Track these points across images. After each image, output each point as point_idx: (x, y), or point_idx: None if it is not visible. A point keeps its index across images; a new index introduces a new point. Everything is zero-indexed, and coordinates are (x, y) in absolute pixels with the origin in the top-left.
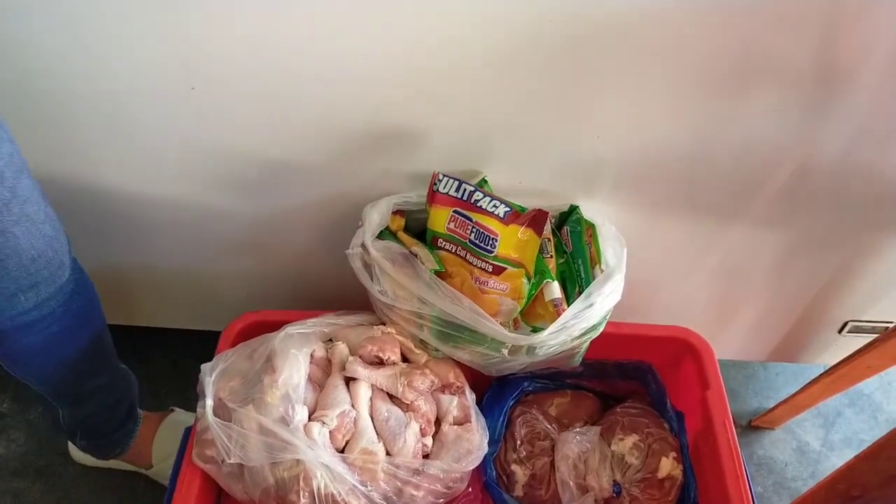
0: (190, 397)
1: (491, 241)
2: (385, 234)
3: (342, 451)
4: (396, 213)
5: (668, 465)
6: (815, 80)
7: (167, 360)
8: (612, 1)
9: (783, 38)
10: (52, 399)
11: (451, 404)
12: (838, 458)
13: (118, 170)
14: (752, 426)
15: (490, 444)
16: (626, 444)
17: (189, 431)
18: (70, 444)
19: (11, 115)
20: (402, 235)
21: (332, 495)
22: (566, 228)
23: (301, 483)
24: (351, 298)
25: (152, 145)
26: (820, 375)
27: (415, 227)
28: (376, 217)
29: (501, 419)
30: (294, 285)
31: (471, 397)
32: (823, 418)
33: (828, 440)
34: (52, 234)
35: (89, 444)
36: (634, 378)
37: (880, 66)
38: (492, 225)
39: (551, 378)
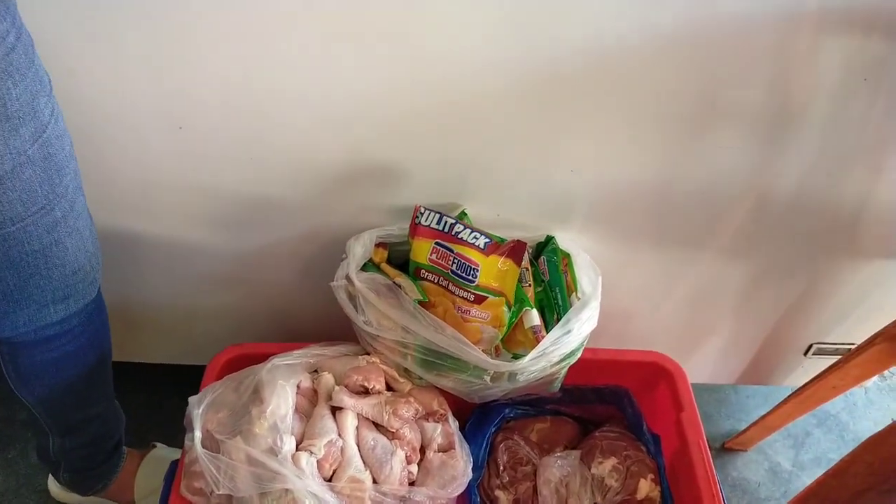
0: (170, 433)
1: (472, 272)
2: (369, 266)
3: (330, 480)
4: (379, 245)
5: (646, 487)
6: (769, 118)
7: (147, 396)
8: (578, 49)
9: (737, 79)
10: (47, 424)
11: (436, 432)
12: (809, 477)
13: (100, 205)
14: (726, 448)
15: (474, 470)
16: (605, 467)
17: (175, 465)
18: (50, 479)
19: None
20: (386, 267)
21: None
22: (543, 258)
23: None
24: (335, 330)
25: (137, 182)
26: (788, 397)
27: (397, 258)
28: (360, 250)
29: (484, 446)
30: (278, 318)
31: (454, 425)
32: (793, 439)
33: (798, 460)
34: (92, 251)
35: (73, 477)
36: (612, 402)
37: (827, 104)
38: (473, 256)
39: (531, 404)
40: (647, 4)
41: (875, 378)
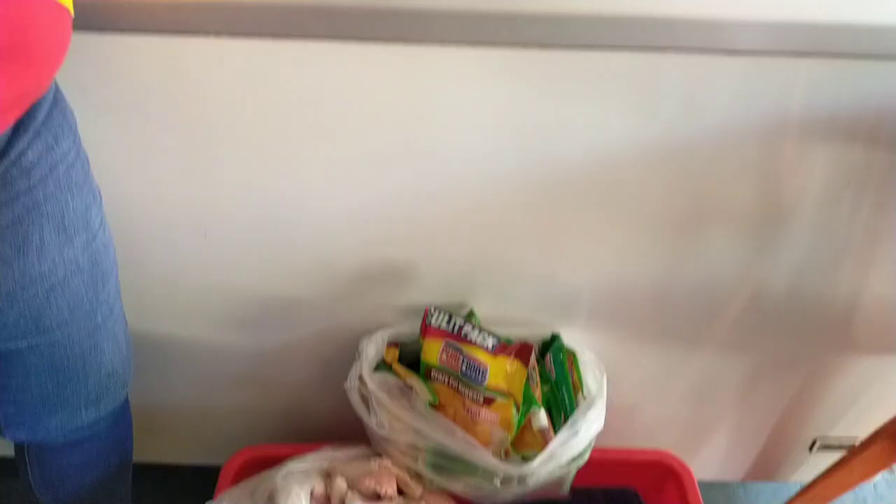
0: None
1: (481, 373)
2: (381, 366)
3: None
4: (391, 345)
5: None
6: (759, 220)
7: (161, 499)
8: (579, 160)
9: (726, 186)
10: None
11: None
12: None
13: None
14: None
15: None
16: None
17: None
18: None
19: None
20: (398, 367)
21: None
22: (549, 356)
23: None
24: (349, 429)
25: (158, 285)
26: (796, 496)
27: (408, 356)
28: (372, 350)
29: None
30: (293, 417)
31: None
32: None
33: None
34: (126, 354)
35: None
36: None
37: (814, 206)
38: (481, 356)
39: None
40: (639, 120)
41: (884, 472)
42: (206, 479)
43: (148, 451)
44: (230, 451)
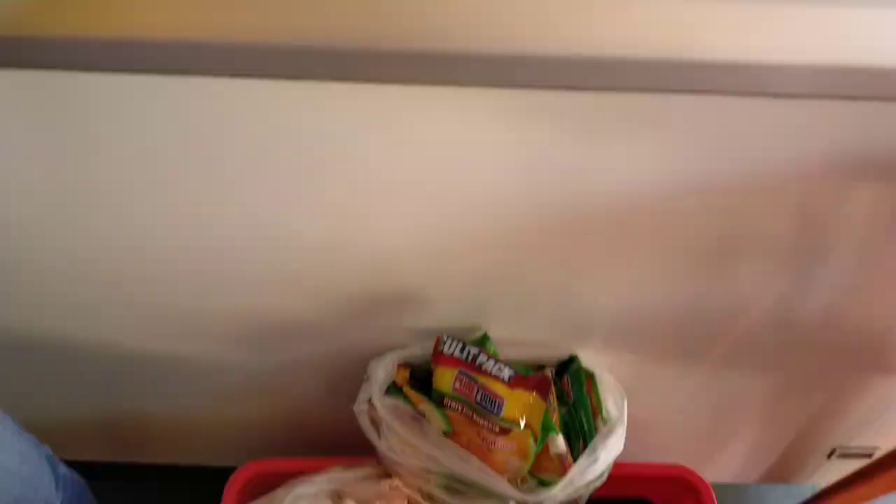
0: None
1: (497, 405)
2: (392, 389)
3: None
4: (401, 366)
5: None
6: (793, 253)
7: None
8: (605, 195)
9: (760, 220)
10: None
11: None
12: None
13: (124, 326)
14: None
15: None
16: None
17: None
18: None
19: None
20: (409, 391)
21: None
22: (567, 378)
23: None
24: (356, 444)
25: (165, 307)
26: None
27: (419, 375)
28: (382, 373)
29: None
30: (298, 430)
31: None
32: None
33: None
34: (30, 474)
35: None
36: None
37: (849, 242)
38: (497, 389)
39: None
40: (673, 160)
41: None
42: (215, 480)
43: (153, 453)
44: (236, 457)
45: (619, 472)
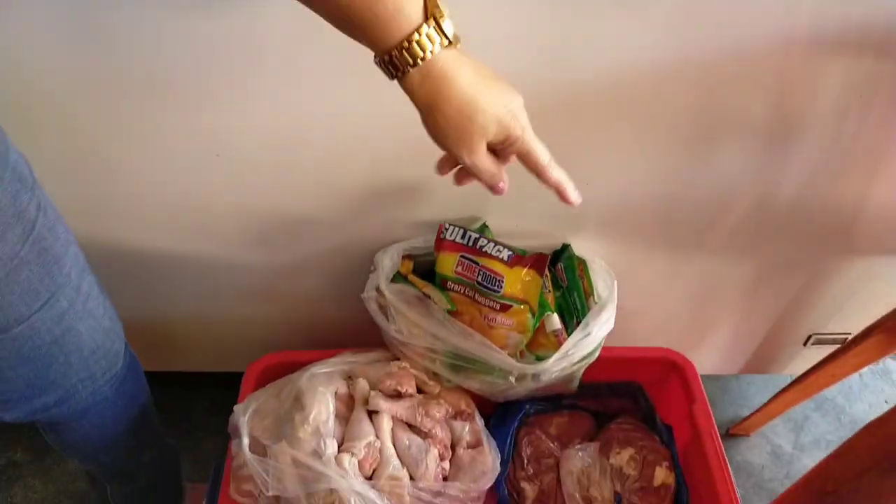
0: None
1: (497, 283)
2: (397, 277)
3: (370, 479)
4: (406, 257)
5: (662, 475)
6: (770, 130)
7: (183, 406)
8: (594, 72)
9: (739, 97)
10: (102, 478)
11: (464, 430)
12: (809, 459)
13: (136, 226)
14: (729, 434)
15: (500, 464)
16: (623, 458)
17: (218, 468)
18: None
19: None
20: (413, 278)
21: None
22: (560, 265)
23: None
24: (362, 337)
25: (173, 206)
26: (789, 385)
27: (422, 269)
28: (388, 263)
29: (508, 441)
30: (309, 327)
31: (480, 422)
32: (793, 423)
33: (799, 443)
34: (109, 327)
35: None
36: (625, 396)
37: (824, 117)
38: (497, 268)
39: (550, 400)
40: (652, 36)
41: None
42: (227, 386)
43: (168, 360)
44: (249, 360)
45: (609, 355)
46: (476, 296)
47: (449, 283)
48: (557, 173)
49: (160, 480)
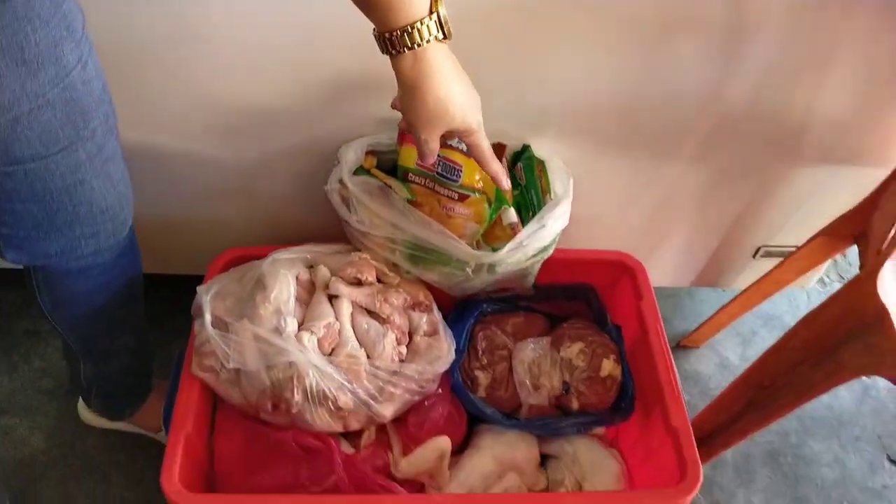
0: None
1: (456, 172)
2: (360, 171)
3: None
4: (369, 153)
5: (609, 366)
6: (725, 32)
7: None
8: None
9: None
10: (79, 351)
11: (422, 320)
12: None
13: None
14: (680, 346)
15: (455, 353)
16: (573, 350)
17: (181, 354)
18: (81, 403)
19: None
20: (376, 172)
21: (324, 391)
22: (520, 165)
23: (295, 382)
24: (326, 234)
25: (140, 99)
26: (736, 296)
27: (386, 166)
28: (351, 156)
29: (465, 334)
30: (272, 225)
31: (438, 315)
32: (741, 337)
33: (745, 355)
34: (123, 193)
35: (102, 402)
36: (579, 299)
37: (778, 22)
38: (456, 158)
39: (507, 301)
40: None
41: (816, 283)
42: (194, 291)
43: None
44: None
45: (564, 256)
46: (436, 186)
47: (410, 174)
48: (496, 165)
49: (133, 368)
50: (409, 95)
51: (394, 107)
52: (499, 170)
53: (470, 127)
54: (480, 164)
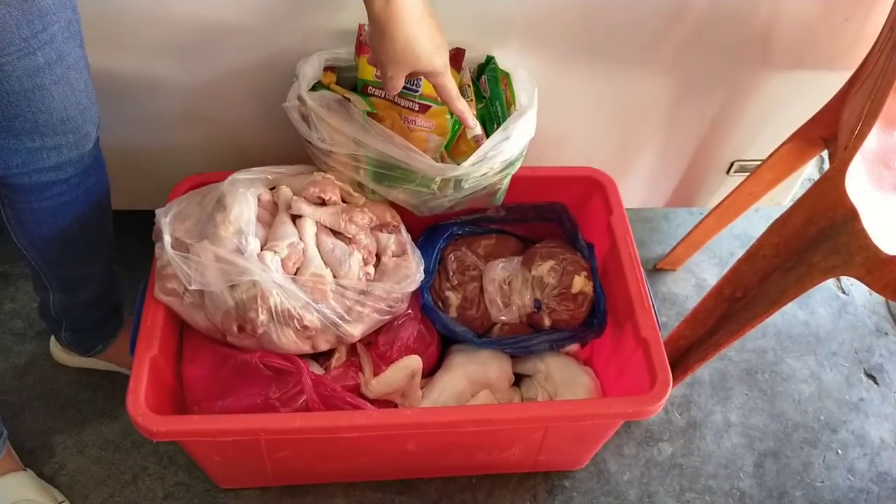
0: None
1: (416, 82)
2: (319, 87)
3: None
4: (328, 69)
5: (580, 283)
6: None
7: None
8: None
9: None
10: (47, 280)
11: (390, 241)
12: None
13: None
14: (657, 269)
15: (425, 273)
16: (544, 268)
17: (145, 286)
18: (53, 341)
19: None
20: (335, 87)
21: (288, 310)
22: (484, 77)
23: (259, 301)
24: (289, 157)
25: (83, 11)
26: (710, 211)
27: (345, 84)
28: (309, 71)
29: (435, 256)
30: (233, 151)
31: (406, 235)
32: (718, 258)
33: (722, 275)
34: (86, 105)
35: (73, 336)
36: (551, 219)
37: None
38: None
39: (478, 224)
40: None
41: (790, 201)
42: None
43: None
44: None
45: (534, 174)
46: (396, 98)
47: (369, 87)
48: (462, 104)
49: (103, 298)
50: (378, 34)
51: (363, 42)
52: (464, 109)
53: (436, 69)
54: (447, 103)
